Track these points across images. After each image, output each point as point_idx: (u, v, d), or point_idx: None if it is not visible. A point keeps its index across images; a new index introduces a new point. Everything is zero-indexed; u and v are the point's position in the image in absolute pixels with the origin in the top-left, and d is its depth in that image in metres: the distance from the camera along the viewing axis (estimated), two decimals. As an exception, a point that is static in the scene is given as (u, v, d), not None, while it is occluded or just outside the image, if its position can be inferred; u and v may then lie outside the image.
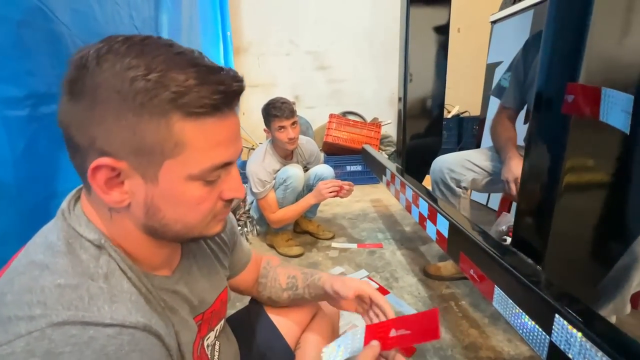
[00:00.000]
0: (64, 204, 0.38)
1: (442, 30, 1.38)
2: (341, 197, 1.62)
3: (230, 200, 0.41)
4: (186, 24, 1.93)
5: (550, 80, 0.59)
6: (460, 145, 3.04)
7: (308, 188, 1.71)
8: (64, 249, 0.34)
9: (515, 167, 1.09)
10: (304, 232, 1.94)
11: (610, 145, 0.54)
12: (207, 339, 0.54)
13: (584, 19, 0.52)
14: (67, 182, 0.88)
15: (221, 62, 2.83)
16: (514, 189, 1.08)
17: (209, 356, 0.54)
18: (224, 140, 0.36)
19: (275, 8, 3.04)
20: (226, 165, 0.37)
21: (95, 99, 0.31)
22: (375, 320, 0.58)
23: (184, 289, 0.46)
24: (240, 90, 0.36)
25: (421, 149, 1.52)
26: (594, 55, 0.51)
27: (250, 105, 3.14)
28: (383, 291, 1.38)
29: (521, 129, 1.32)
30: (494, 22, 2.15)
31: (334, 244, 1.81)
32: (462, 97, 3.15)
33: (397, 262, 1.61)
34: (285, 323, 0.73)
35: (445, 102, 3.38)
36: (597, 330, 0.47)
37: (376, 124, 3.00)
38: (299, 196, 1.67)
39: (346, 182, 1.59)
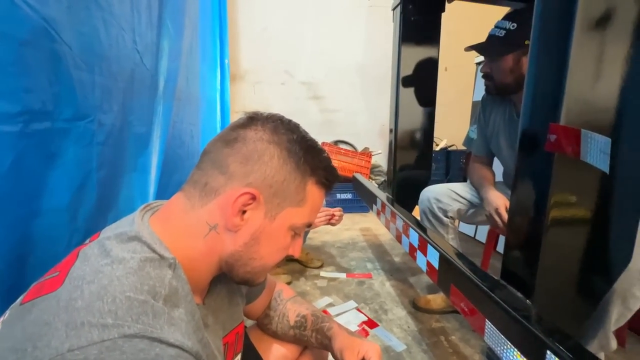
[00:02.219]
0: (135, 227, 0.40)
1: (432, 68, 1.46)
2: (332, 224, 1.61)
3: (290, 256, 0.49)
4: (186, 50, 1.99)
5: (534, 120, 0.63)
6: (447, 177, 3.11)
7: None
8: (136, 266, 0.35)
9: (493, 199, 1.14)
10: (293, 260, 1.90)
11: (592, 182, 0.57)
12: None
13: (562, 65, 0.57)
14: (51, 201, 0.85)
15: (217, 88, 2.89)
16: (497, 220, 1.11)
17: None
18: (319, 208, 0.48)
19: (273, 39, 3.17)
20: (309, 225, 0.48)
21: (269, 147, 0.42)
22: None
23: (211, 320, 0.47)
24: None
25: (411, 180, 1.55)
26: (572, 99, 0.55)
27: (244, 131, 3.17)
28: (372, 324, 1.34)
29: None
30: (478, 64, 2.29)
31: (322, 273, 1.78)
32: (450, 131, 3.27)
33: (386, 293, 1.59)
34: (273, 355, 0.71)
35: (434, 136, 3.51)
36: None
37: (367, 153, 3.06)
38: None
39: (336, 209, 1.59)
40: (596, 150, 0.48)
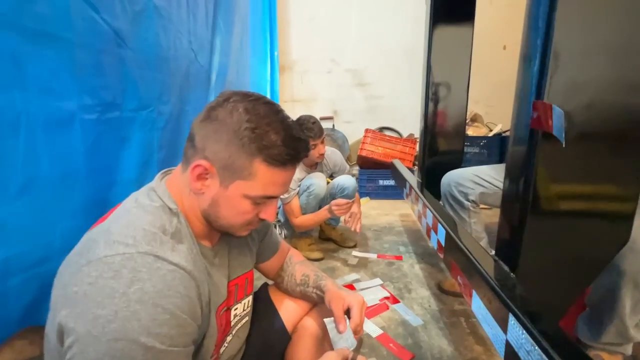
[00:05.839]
0: (154, 184, 0.55)
1: (465, 49, 1.42)
2: (346, 221, 1.61)
3: (263, 219, 0.57)
4: (236, 45, 2.20)
5: (523, 101, 0.64)
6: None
7: (332, 196, 1.80)
8: (151, 210, 0.50)
9: None
10: (328, 239, 2.03)
11: (572, 158, 0.57)
12: (234, 309, 0.67)
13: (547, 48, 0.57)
14: (124, 173, 1.09)
15: (267, 79, 3.09)
16: None
17: (232, 323, 0.67)
18: (278, 183, 0.53)
19: (319, 29, 3.26)
20: (272, 197, 0.55)
21: (220, 127, 0.49)
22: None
23: (218, 262, 0.61)
24: (305, 156, 0.56)
25: (442, 165, 1.53)
26: (555, 78, 0.56)
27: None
28: (394, 300, 1.40)
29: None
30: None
31: (354, 253, 1.87)
32: (505, 115, 3.03)
33: (413, 274, 1.62)
34: (286, 308, 0.83)
35: (488, 121, 3.28)
36: (542, 331, 0.50)
37: (411, 139, 3.01)
38: (322, 202, 1.77)
39: (358, 216, 1.59)
40: (559, 123, 0.48)
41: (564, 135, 0.48)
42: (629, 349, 0.87)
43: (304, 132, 0.55)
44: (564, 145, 0.50)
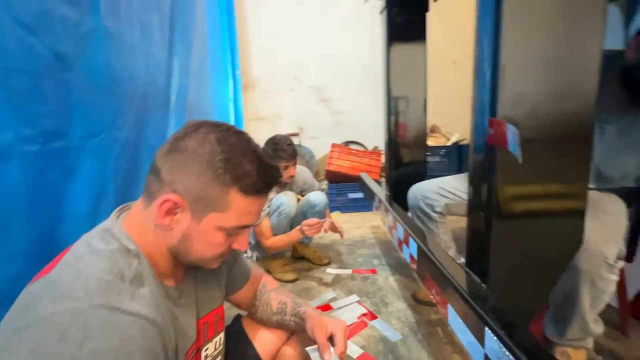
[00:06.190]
0: (109, 224, 0.50)
1: (420, 66, 1.49)
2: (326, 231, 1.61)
3: (234, 250, 0.55)
4: (196, 66, 2.13)
5: (480, 117, 0.67)
6: (461, 172, 3.07)
7: (302, 213, 1.78)
8: (106, 254, 0.45)
9: None
10: (301, 257, 1.99)
11: (524, 166, 0.60)
12: (204, 350, 0.62)
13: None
14: (73, 207, 0.99)
15: (230, 98, 3.04)
16: None
17: None
18: (252, 212, 0.52)
19: (281, 48, 3.30)
20: (246, 227, 0.53)
21: (191, 158, 0.47)
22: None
23: (184, 301, 0.56)
24: (278, 183, 0.55)
25: (407, 177, 1.57)
26: (506, 93, 0.59)
27: (257, 137, 3.29)
28: (372, 316, 1.39)
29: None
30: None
31: (328, 270, 1.84)
32: (461, 125, 3.22)
33: (389, 287, 1.62)
34: (262, 339, 0.78)
35: (445, 131, 3.46)
36: (519, 343, 0.51)
37: (377, 152, 3.09)
38: (293, 220, 1.73)
39: (339, 228, 1.60)
40: (514, 140, 0.51)
41: (519, 151, 0.51)
42: (590, 343, 0.92)
43: (277, 154, 0.53)
44: (520, 161, 0.52)
